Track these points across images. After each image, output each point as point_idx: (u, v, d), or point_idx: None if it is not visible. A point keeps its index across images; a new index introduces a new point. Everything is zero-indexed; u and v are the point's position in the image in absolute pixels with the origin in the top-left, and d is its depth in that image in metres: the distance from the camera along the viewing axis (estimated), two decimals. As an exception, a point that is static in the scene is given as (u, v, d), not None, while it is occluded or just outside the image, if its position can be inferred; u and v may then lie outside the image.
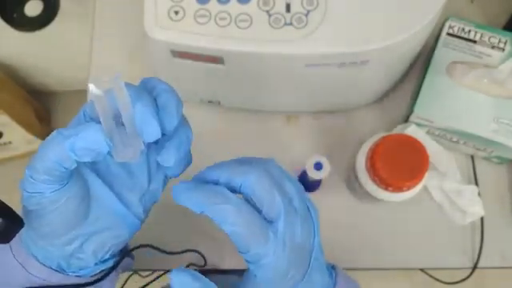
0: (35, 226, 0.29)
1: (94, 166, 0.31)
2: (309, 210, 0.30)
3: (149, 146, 0.32)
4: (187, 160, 0.32)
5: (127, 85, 0.27)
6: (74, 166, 0.27)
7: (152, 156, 0.33)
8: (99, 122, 0.26)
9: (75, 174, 0.29)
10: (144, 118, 0.27)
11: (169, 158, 0.29)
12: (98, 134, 0.26)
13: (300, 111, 0.58)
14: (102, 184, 0.31)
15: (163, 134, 0.28)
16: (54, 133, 0.27)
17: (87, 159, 0.26)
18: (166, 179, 0.34)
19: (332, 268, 0.34)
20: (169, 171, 0.33)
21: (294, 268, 0.28)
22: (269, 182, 0.28)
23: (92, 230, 0.31)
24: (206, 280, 0.28)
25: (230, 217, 0.27)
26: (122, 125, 0.26)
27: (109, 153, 0.27)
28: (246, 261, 0.28)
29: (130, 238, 0.34)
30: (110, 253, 0.33)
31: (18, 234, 0.31)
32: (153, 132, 0.27)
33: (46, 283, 0.31)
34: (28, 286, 0.31)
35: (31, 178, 0.27)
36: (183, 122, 0.31)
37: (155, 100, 0.28)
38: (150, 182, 0.33)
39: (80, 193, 0.29)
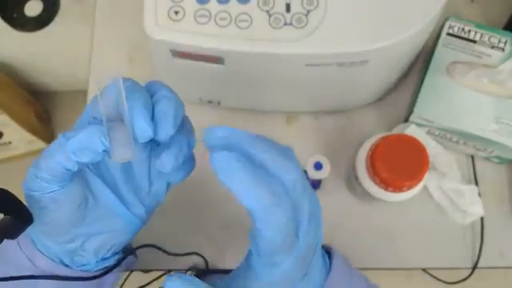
0: (38, 223, 0.30)
1: (96, 169, 0.31)
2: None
3: (151, 147, 0.32)
4: (190, 166, 0.31)
5: (125, 82, 0.27)
6: (76, 168, 0.27)
7: (154, 158, 0.32)
8: (101, 122, 0.26)
9: (76, 178, 0.29)
10: (133, 115, 0.26)
11: (166, 164, 0.28)
12: (93, 133, 0.26)
13: (300, 111, 0.58)
14: (103, 185, 0.31)
15: (158, 144, 0.28)
16: (60, 135, 0.27)
17: (86, 160, 0.26)
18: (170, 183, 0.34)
19: (327, 252, 0.33)
20: (169, 177, 0.33)
21: (299, 270, 0.27)
22: (302, 184, 0.26)
23: (93, 230, 0.31)
24: (201, 285, 0.26)
25: (277, 222, 0.24)
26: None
27: (105, 151, 0.26)
28: (255, 264, 0.27)
29: (132, 238, 0.35)
30: (111, 251, 0.33)
31: None
32: (142, 129, 0.26)
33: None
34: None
35: (34, 175, 0.27)
36: (186, 127, 0.30)
37: (154, 106, 0.27)
38: (151, 183, 0.33)
39: (79, 195, 0.30)
